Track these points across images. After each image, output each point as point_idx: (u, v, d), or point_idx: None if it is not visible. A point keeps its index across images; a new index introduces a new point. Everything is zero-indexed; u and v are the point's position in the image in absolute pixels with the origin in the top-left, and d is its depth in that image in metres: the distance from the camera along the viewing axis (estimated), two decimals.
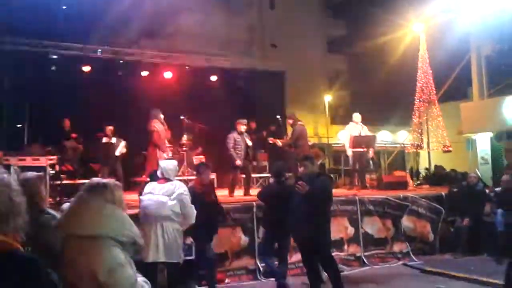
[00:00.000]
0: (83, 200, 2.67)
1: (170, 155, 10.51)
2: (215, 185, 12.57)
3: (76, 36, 13.00)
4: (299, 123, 10.31)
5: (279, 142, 10.58)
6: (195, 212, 5.71)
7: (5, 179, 1.86)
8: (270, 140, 10.85)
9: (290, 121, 10.55)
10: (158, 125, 9.35)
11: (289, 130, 12.52)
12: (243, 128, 9.83)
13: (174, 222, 5.58)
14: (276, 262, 6.94)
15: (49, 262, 3.00)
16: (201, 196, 6.29)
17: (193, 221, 5.73)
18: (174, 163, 6.21)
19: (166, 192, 5.65)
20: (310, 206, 5.91)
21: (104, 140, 10.96)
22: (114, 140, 10.97)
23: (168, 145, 11.55)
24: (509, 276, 5.39)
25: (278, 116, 11.11)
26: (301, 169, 6.56)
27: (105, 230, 2.56)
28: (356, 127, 11.18)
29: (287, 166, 8.48)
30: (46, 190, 3.63)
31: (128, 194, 8.60)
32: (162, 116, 9.61)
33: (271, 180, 7.12)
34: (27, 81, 11.76)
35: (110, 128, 11.06)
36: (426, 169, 16.64)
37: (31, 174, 3.70)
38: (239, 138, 9.67)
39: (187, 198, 5.71)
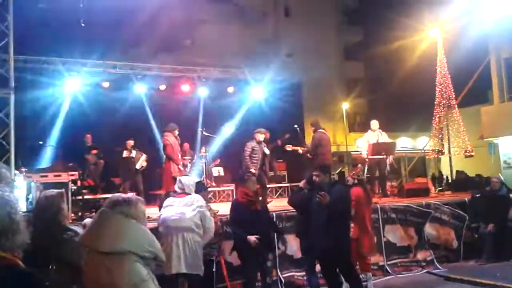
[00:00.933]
0: (105, 216, 2.71)
1: (185, 168, 10.53)
2: (234, 197, 12.65)
3: (95, 53, 13.23)
4: (319, 130, 9.96)
5: (299, 150, 10.38)
6: (213, 225, 5.75)
7: (6, 196, 1.90)
8: (288, 147, 10.62)
9: (312, 128, 10.15)
10: (171, 139, 9.36)
11: (310, 139, 12.48)
12: (261, 137, 9.81)
13: (195, 233, 5.60)
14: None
15: (72, 278, 3.06)
16: (247, 207, 6.21)
17: (212, 234, 5.76)
18: (194, 179, 6.28)
19: (186, 204, 5.70)
20: (330, 216, 5.79)
21: (125, 154, 11.09)
22: (134, 154, 11.09)
23: (187, 157, 11.65)
24: None
25: (296, 126, 11.00)
26: (316, 179, 6.27)
27: (127, 246, 2.58)
28: (374, 134, 11.07)
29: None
30: (68, 206, 3.67)
31: (148, 207, 8.68)
32: (177, 131, 9.68)
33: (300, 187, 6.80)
34: (47, 98, 11.99)
35: (130, 142, 11.20)
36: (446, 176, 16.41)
37: (52, 192, 3.76)
38: (257, 147, 9.65)
39: (207, 211, 5.77)
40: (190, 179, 6.17)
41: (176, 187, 6.06)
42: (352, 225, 6.84)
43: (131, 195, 2.87)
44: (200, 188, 6.44)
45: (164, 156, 9.42)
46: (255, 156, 9.57)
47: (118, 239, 2.59)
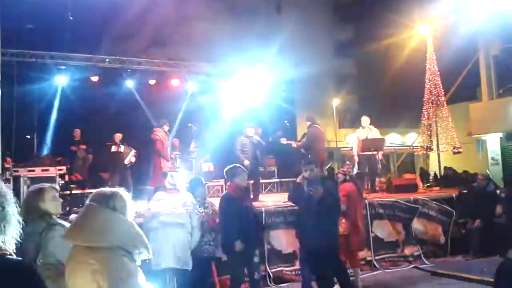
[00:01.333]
0: (91, 210, 2.69)
1: (174, 163, 10.52)
2: (223, 192, 12.64)
3: (84, 46, 13.12)
4: (315, 125, 10.02)
5: (294, 144, 10.39)
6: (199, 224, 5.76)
7: None
8: (283, 140, 10.61)
9: (308, 123, 10.17)
10: (161, 134, 9.43)
11: (301, 134, 12.52)
12: (251, 132, 9.85)
13: (185, 230, 5.60)
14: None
15: (58, 273, 3.04)
16: (239, 202, 6.11)
17: (198, 234, 5.73)
18: (186, 176, 6.27)
19: (177, 200, 5.69)
20: (320, 211, 5.81)
21: (113, 148, 11.03)
22: (122, 148, 11.04)
23: (177, 152, 11.62)
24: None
25: (286, 121, 11.03)
26: (306, 174, 6.24)
27: (113, 240, 2.57)
28: (364, 131, 11.10)
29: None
30: (54, 197, 3.63)
31: (136, 202, 8.65)
32: (167, 126, 9.69)
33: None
34: (35, 92, 11.89)
35: (118, 135, 11.14)
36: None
37: (43, 185, 3.73)
38: (247, 141, 9.69)
39: (195, 210, 5.79)
40: (182, 176, 6.15)
41: (167, 183, 6.02)
42: (343, 220, 6.88)
43: (117, 189, 2.84)
44: (197, 184, 6.34)
45: (154, 152, 9.41)
46: (246, 150, 9.63)
47: (104, 233, 2.57)
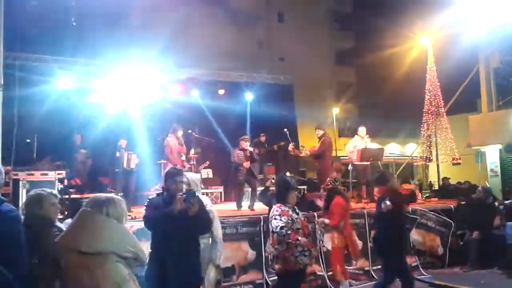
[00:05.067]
0: (86, 216, 2.70)
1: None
2: (222, 199, 12.65)
3: (86, 52, 13.17)
4: (327, 135, 10.47)
5: (306, 151, 10.55)
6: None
7: None
8: (291, 150, 10.73)
9: (320, 132, 10.39)
10: (172, 140, 9.77)
11: (302, 143, 12.60)
12: (245, 144, 9.88)
13: (206, 238, 5.24)
14: None
15: (54, 273, 3.04)
16: None
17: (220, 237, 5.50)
18: (198, 175, 6.09)
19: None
20: None
21: (117, 154, 11.04)
22: (126, 154, 11.05)
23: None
24: None
25: (285, 130, 11.05)
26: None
27: (109, 247, 2.58)
28: (362, 141, 11.13)
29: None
30: (56, 205, 3.65)
31: (137, 208, 8.68)
32: (180, 132, 10.09)
33: None
34: (36, 96, 11.91)
35: (123, 142, 11.16)
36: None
37: (45, 190, 3.75)
38: (241, 154, 9.72)
39: (214, 213, 5.46)
40: (194, 175, 5.89)
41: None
42: (336, 235, 6.98)
43: (113, 195, 2.85)
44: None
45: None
46: (240, 162, 9.67)
47: (99, 239, 2.59)
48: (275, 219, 5.33)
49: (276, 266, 5.38)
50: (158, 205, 4.26)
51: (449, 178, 15.05)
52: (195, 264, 4.33)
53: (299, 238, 5.22)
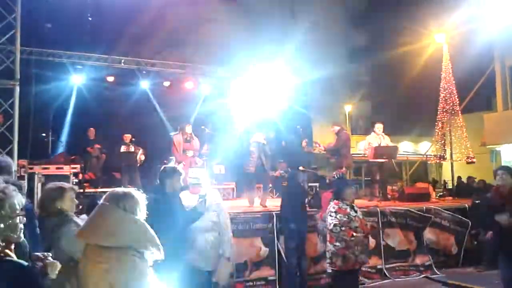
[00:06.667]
0: (104, 210, 2.71)
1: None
2: (234, 196, 12.65)
3: (100, 47, 13.23)
4: (344, 131, 10.39)
5: (321, 147, 10.52)
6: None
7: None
8: (305, 145, 10.72)
9: (336, 128, 10.31)
10: (177, 137, 9.82)
11: (316, 139, 12.56)
12: (259, 138, 9.85)
13: (214, 231, 5.37)
14: None
15: (69, 270, 3.07)
16: None
17: (230, 232, 5.54)
18: (205, 171, 6.10)
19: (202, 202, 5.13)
20: None
21: (123, 148, 11.13)
22: (132, 148, 11.14)
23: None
24: None
25: (298, 126, 11.02)
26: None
27: (124, 240, 2.59)
28: (377, 138, 11.04)
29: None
30: (72, 199, 3.70)
31: None
32: (188, 128, 10.02)
33: None
34: (52, 91, 12.01)
35: (128, 136, 11.24)
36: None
37: (63, 183, 3.80)
38: (254, 148, 9.68)
39: (223, 208, 5.53)
40: (202, 171, 5.96)
41: (188, 179, 5.75)
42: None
43: (130, 189, 2.86)
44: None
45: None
46: (253, 156, 9.64)
47: (116, 233, 2.60)
48: (330, 215, 5.36)
49: (337, 264, 5.37)
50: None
51: (474, 177, 14.80)
52: None
53: (354, 234, 5.22)
